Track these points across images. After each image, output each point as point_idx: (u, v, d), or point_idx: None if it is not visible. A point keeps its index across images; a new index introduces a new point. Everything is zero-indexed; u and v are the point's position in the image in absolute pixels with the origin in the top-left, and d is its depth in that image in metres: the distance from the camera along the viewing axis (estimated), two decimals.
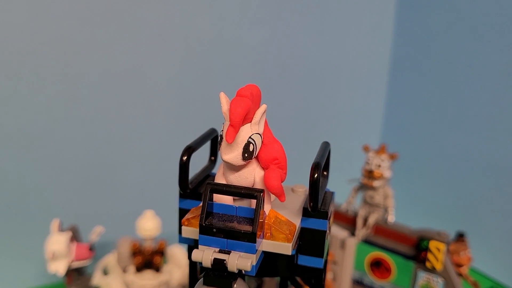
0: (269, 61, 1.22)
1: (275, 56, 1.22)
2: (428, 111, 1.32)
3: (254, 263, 0.46)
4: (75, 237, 0.94)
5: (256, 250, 0.47)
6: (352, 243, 0.95)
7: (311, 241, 0.52)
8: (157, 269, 0.97)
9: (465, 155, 1.22)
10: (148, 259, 0.97)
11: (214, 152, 0.61)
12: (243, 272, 0.47)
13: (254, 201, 0.51)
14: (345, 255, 0.95)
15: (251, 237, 0.46)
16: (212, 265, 0.46)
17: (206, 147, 0.61)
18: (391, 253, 0.96)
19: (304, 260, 0.53)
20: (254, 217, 0.46)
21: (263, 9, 1.17)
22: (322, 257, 0.53)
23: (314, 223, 0.52)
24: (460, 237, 1.01)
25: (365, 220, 0.97)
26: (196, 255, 0.46)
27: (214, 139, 0.60)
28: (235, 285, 0.47)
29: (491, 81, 1.15)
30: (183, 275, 1.00)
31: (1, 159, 0.99)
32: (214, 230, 0.47)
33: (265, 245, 0.49)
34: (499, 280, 1.13)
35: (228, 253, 0.46)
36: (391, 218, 0.95)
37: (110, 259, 1.00)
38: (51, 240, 0.88)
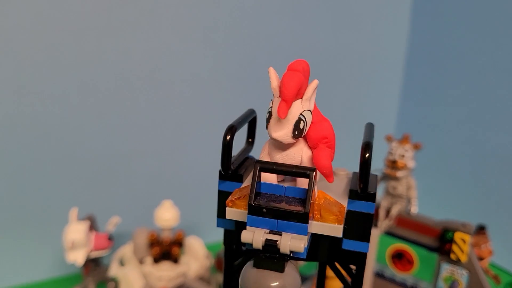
0: (285, 53, 1.20)
1: (292, 49, 1.21)
2: (446, 102, 1.31)
3: (306, 245, 0.45)
4: (93, 226, 0.92)
5: (308, 232, 0.45)
6: (375, 234, 0.93)
7: (358, 224, 0.50)
8: (175, 260, 0.95)
9: (483, 147, 1.21)
10: (166, 250, 0.95)
11: (252, 133, 0.59)
12: (292, 254, 0.45)
13: (300, 182, 0.49)
14: None
15: (303, 218, 0.44)
16: (263, 246, 0.44)
17: (243, 129, 0.59)
18: (413, 245, 0.95)
19: (350, 245, 0.51)
20: (306, 196, 0.44)
21: (280, 2, 1.16)
22: (368, 241, 0.51)
23: (361, 206, 0.50)
24: (481, 229, 1.00)
25: (388, 211, 0.96)
26: (246, 236, 0.44)
27: (252, 121, 0.58)
28: (286, 268, 0.45)
29: (509, 70, 1.14)
30: (201, 266, 0.98)
31: (20, 150, 0.97)
32: (264, 210, 0.45)
33: (315, 226, 0.47)
34: None
35: (279, 234, 0.44)
36: (414, 209, 0.94)
37: (126, 250, 0.98)
38: (70, 229, 0.86)
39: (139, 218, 1.04)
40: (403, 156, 0.93)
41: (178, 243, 0.97)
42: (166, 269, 0.94)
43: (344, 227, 0.51)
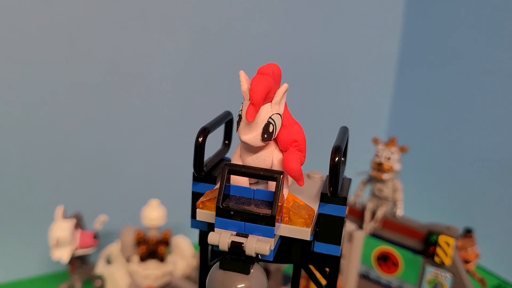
0: (277, 54, 1.21)
1: (283, 49, 1.21)
2: (436, 106, 1.31)
3: (273, 248, 0.45)
4: (79, 224, 0.92)
5: (275, 234, 0.45)
6: (360, 236, 0.93)
7: (329, 227, 0.51)
8: (161, 259, 0.96)
9: (472, 150, 1.21)
10: (153, 249, 0.96)
11: (228, 135, 0.60)
12: (260, 257, 0.46)
13: (271, 184, 0.49)
14: (352, 248, 0.93)
15: (270, 221, 0.45)
16: (229, 248, 0.45)
17: (220, 130, 0.59)
18: (398, 247, 0.95)
19: (321, 247, 0.52)
20: (273, 200, 0.45)
21: (271, 2, 1.16)
22: (339, 244, 0.51)
23: (332, 209, 0.50)
24: (468, 233, 1.00)
25: (373, 213, 0.96)
26: (213, 237, 0.45)
27: (228, 122, 0.59)
28: (252, 270, 0.46)
29: (499, 77, 1.14)
30: (187, 265, 0.99)
31: (7, 147, 0.98)
32: (232, 212, 0.45)
33: (283, 229, 0.47)
34: (506, 278, 1.12)
35: (246, 236, 0.45)
36: (400, 212, 0.94)
37: (113, 248, 0.99)
38: (56, 227, 0.87)
39: (127, 217, 1.04)
40: (389, 158, 0.93)
41: (165, 242, 0.97)
42: (152, 268, 0.95)
43: (315, 230, 0.51)
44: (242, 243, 0.44)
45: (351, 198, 0.99)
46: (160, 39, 1.05)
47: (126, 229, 0.98)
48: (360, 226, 0.96)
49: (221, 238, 0.45)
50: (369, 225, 0.95)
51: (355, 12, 1.29)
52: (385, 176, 0.93)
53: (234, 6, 1.11)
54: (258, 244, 0.44)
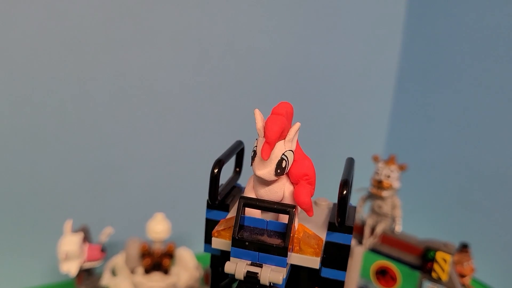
0: (278, 70, 1.23)
1: (283, 65, 1.23)
2: (433, 123, 1.33)
3: (285, 277, 0.48)
4: (86, 238, 0.94)
5: (287, 264, 0.48)
6: (360, 251, 0.96)
7: (336, 254, 0.54)
8: (165, 271, 0.98)
9: (469, 167, 1.24)
10: (157, 261, 0.98)
11: (239, 163, 0.63)
12: (272, 284, 0.48)
13: (282, 217, 0.52)
14: (352, 262, 0.96)
15: (282, 251, 0.47)
16: (244, 277, 0.47)
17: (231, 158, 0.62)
18: (397, 262, 0.98)
19: (328, 273, 0.55)
20: (286, 232, 0.48)
21: (273, 19, 1.18)
22: (345, 270, 0.54)
23: (339, 238, 0.53)
24: (464, 248, 1.03)
25: (373, 229, 0.99)
26: (230, 267, 0.47)
27: (239, 152, 0.62)
28: None
29: (497, 92, 1.16)
30: (190, 277, 1.01)
31: (14, 160, 0.99)
32: (247, 243, 0.48)
33: (294, 258, 0.50)
34: None
35: (260, 266, 0.48)
36: (398, 228, 0.97)
37: (118, 260, 1.01)
38: (65, 241, 0.89)
39: (132, 229, 1.06)
40: (388, 176, 0.96)
41: (169, 254, 0.99)
42: (156, 280, 0.97)
43: (322, 257, 0.54)
44: (257, 273, 0.47)
45: None
46: (167, 53, 1.07)
47: (131, 241, 1.00)
48: (360, 242, 0.99)
49: (237, 267, 0.47)
50: (368, 241, 0.98)
51: (354, 29, 1.31)
52: (384, 193, 0.96)
53: (237, 22, 1.14)
54: (272, 274, 0.47)
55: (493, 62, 1.17)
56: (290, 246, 0.48)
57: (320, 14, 1.24)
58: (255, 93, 1.18)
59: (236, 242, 0.48)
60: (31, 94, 0.97)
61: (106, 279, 0.97)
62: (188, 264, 1.02)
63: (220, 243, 0.52)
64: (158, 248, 0.99)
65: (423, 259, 0.93)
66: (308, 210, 0.51)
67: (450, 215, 1.28)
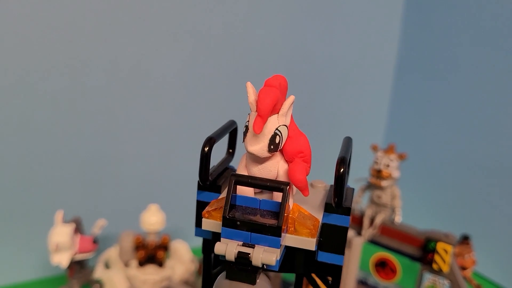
0: (275, 60, 1.21)
1: (281, 55, 1.21)
2: (434, 113, 1.32)
3: (279, 258, 0.45)
4: (78, 229, 0.92)
5: (281, 245, 0.46)
6: (358, 242, 0.94)
7: (333, 237, 0.51)
8: (160, 264, 0.96)
9: (469, 158, 1.22)
10: (151, 254, 0.96)
11: (232, 144, 0.60)
12: (265, 266, 0.46)
13: (276, 195, 0.50)
14: (351, 254, 0.94)
15: (276, 231, 0.45)
16: (236, 258, 0.45)
17: (224, 139, 0.59)
18: (397, 254, 0.95)
19: (324, 257, 0.52)
20: (279, 210, 0.45)
21: (271, 8, 1.17)
22: (343, 254, 0.52)
23: (337, 219, 0.51)
24: (465, 239, 1.01)
25: (372, 220, 0.96)
26: (220, 247, 0.45)
27: (233, 131, 0.59)
28: (258, 280, 0.46)
29: (496, 83, 1.15)
30: (186, 270, 0.99)
31: (6, 151, 0.97)
32: (238, 223, 0.46)
33: (289, 239, 0.48)
34: (502, 285, 1.12)
35: (253, 246, 0.45)
36: (398, 219, 0.95)
37: (112, 253, 0.99)
38: (55, 232, 0.87)
39: (126, 221, 1.04)
40: (388, 165, 0.93)
41: (164, 247, 0.97)
42: (150, 273, 0.95)
43: (319, 240, 0.52)
44: (249, 254, 0.45)
45: None
46: (160, 43, 1.06)
47: (125, 234, 0.98)
48: (359, 233, 0.97)
49: (228, 248, 0.45)
50: (367, 232, 0.96)
51: (353, 19, 1.29)
52: (384, 183, 0.94)
53: (234, 11, 1.12)
54: (264, 255, 0.44)
55: (492, 52, 1.15)
56: (284, 227, 0.46)
57: (318, 4, 1.22)
58: (253, 85, 1.16)
59: (227, 221, 0.46)
60: (22, 84, 0.95)
61: (99, 272, 0.95)
62: (184, 257, 1.00)
63: (211, 224, 0.49)
64: (152, 240, 0.97)
65: (424, 250, 0.91)
66: (303, 189, 0.49)
67: (451, 206, 1.26)
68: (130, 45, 1.03)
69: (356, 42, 1.32)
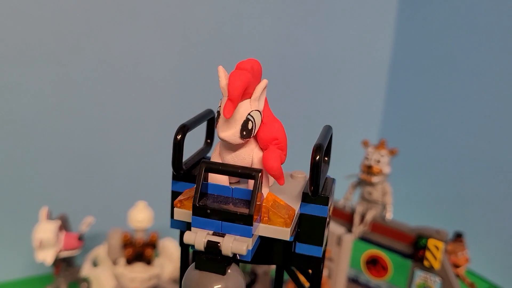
0: (268, 55, 1.20)
1: (275, 51, 1.20)
2: (428, 109, 1.30)
3: (250, 248, 0.44)
4: (64, 226, 0.91)
5: (253, 234, 0.44)
6: (349, 239, 0.92)
7: (310, 228, 0.50)
8: (148, 261, 0.95)
9: (464, 154, 1.21)
10: (139, 251, 0.94)
11: (210, 134, 0.59)
12: (238, 257, 0.45)
13: (251, 184, 0.48)
14: (341, 252, 0.92)
15: (247, 220, 0.43)
16: (205, 248, 0.43)
17: (202, 129, 0.58)
18: (388, 251, 0.94)
19: (302, 249, 0.50)
20: (251, 198, 0.44)
21: (264, 5, 1.15)
22: (321, 245, 0.50)
23: (314, 209, 0.49)
24: (458, 237, 0.99)
25: (363, 217, 0.95)
26: (189, 237, 0.44)
27: (210, 120, 0.58)
28: (228, 270, 0.44)
29: (490, 80, 1.14)
30: (175, 269, 0.97)
31: None
32: (208, 211, 0.44)
33: (262, 229, 0.46)
34: (496, 283, 1.11)
35: (223, 235, 0.44)
36: (389, 215, 0.93)
37: (100, 251, 0.98)
38: (39, 228, 0.85)
39: (114, 219, 1.03)
40: (378, 161, 0.92)
41: (152, 244, 0.96)
42: (139, 271, 0.94)
43: (297, 231, 0.50)
44: (219, 243, 0.43)
45: (340, 201, 0.98)
46: (149, 38, 1.04)
47: (113, 231, 0.96)
48: (349, 230, 0.95)
49: (197, 237, 0.43)
50: (358, 229, 0.94)
51: (348, 15, 1.28)
52: (374, 179, 0.92)
53: (225, 5, 1.11)
54: (234, 244, 0.43)
55: (488, 49, 1.14)
56: (256, 216, 0.44)
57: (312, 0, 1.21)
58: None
59: (197, 210, 0.44)
60: (8, 80, 0.94)
61: (86, 270, 0.94)
62: (173, 255, 0.99)
63: (184, 214, 0.48)
64: (140, 237, 0.96)
65: (415, 247, 0.90)
66: (278, 178, 0.47)
67: (444, 203, 1.25)
68: (118, 41, 1.02)
69: (351, 38, 1.31)
